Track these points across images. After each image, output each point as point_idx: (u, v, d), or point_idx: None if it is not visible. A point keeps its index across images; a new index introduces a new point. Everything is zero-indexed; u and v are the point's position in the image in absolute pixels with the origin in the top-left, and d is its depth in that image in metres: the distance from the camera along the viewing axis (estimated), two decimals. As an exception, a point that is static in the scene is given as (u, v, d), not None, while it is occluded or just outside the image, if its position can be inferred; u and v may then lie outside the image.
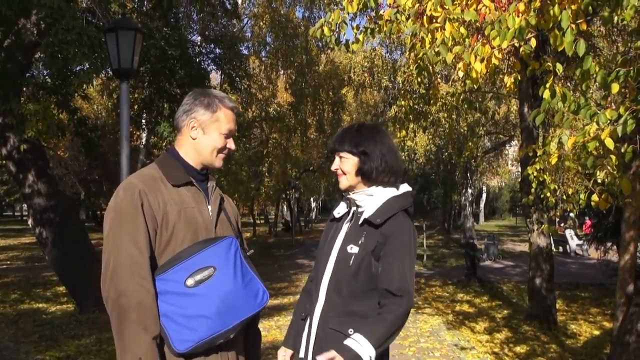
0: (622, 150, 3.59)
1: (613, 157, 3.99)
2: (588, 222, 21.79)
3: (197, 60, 13.91)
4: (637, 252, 6.09)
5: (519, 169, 11.06)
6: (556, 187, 6.70)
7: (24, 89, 9.07)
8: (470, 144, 20.76)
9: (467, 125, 19.41)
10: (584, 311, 10.34)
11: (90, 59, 7.55)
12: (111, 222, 2.07)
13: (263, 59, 24.00)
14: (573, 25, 3.46)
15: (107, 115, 24.41)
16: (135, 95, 13.23)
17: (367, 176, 2.41)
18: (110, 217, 2.08)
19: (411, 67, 6.62)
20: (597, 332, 8.67)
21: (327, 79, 24.05)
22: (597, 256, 13.91)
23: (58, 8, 6.74)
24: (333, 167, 2.51)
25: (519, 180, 10.03)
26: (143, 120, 15.26)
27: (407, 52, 8.22)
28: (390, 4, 5.01)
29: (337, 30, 5.13)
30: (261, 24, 22.54)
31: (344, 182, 2.47)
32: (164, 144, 16.18)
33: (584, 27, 3.75)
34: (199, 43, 16.12)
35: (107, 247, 2.04)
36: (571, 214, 15.07)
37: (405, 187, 2.46)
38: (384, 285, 2.27)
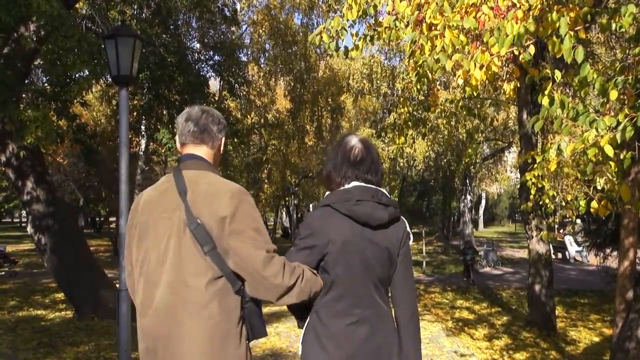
0: (621, 156, 3.59)
1: (612, 163, 4.00)
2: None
3: (196, 67, 13.94)
4: (636, 259, 6.08)
5: (518, 176, 11.04)
6: (555, 194, 6.70)
7: (23, 95, 9.08)
8: (469, 150, 20.79)
9: (466, 131, 19.41)
10: (583, 318, 10.33)
11: (89, 65, 7.57)
12: None
13: (262, 65, 24.04)
14: (571, 32, 3.48)
15: (106, 122, 24.44)
16: (135, 102, 13.22)
17: (325, 186, 2.73)
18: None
19: (410, 74, 6.63)
20: (596, 339, 8.66)
21: (325, 86, 24.08)
22: (597, 263, 13.92)
23: (57, 15, 6.74)
24: None
25: (518, 186, 10.02)
26: (142, 127, 15.26)
27: (407, 59, 8.24)
28: (389, 12, 5.03)
29: (337, 37, 5.15)
30: (260, 31, 22.60)
31: None
32: (163, 151, 16.19)
33: (582, 34, 3.76)
34: (198, 50, 16.15)
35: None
36: (577, 221, 15.11)
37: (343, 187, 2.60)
38: None
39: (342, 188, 2.57)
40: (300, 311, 2.52)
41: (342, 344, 2.42)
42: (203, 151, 2.50)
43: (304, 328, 2.51)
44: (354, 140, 2.67)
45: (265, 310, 6.84)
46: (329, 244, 2.43)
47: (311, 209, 51.16)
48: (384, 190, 2.63)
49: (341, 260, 2.44)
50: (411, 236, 2.69)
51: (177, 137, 2.53)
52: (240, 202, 2.31)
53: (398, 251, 2.57)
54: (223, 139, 2.57)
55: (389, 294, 2.59)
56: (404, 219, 2.68)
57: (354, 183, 2.58)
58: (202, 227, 2.25)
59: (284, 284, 2.25)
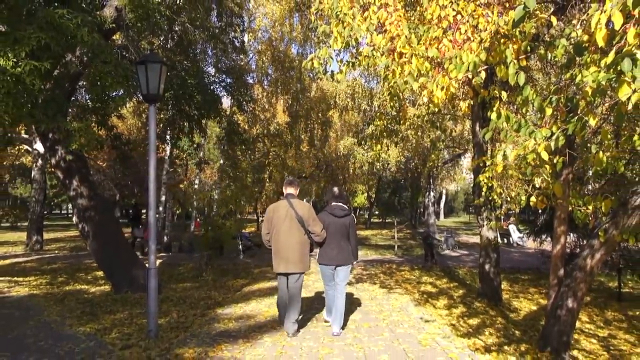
0: (555, 161, 3.61)
1: (547, 166, 4.01)
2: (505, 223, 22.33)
3: (211, 87, 13.79)
4: (566, 243, 6.11)
5: (472, 176, 11.06)
6: (501, 191, 6.71)
7: (70, 110, 8.99)
8: (432, 156, 20.81)
9: (430, 141, 19.48)
10: (524, 291, 10.37)
11: (124, 86, 7.50)
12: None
13: (265, 87, 23.96)
14: (515, 61, 3.49)
15: (137, 132, 24.28)
16: (161, 116, 13.16)
17: (326, 204, 6.41)
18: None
19: (385, 94, 6.63)
20: (534, 308, 8.70)
21: (317, 103, 24.06)
22: (535, 246, 13.98)
23: (97, 45, 6.71)
24: None
25: (472, 185, 10.03)
26: (167, 136, 15.18)
27: (382, 82, 8.24)
28: (368, 43, 5.03)
29: (325, 63, 5.14)
30: (264, 58, 22.53)
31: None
32: (184, 156, 16.08)
33: (524, 62, 3.77)
34: (212, 74, 16.03)
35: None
36: (544, 214, 15.16)
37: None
38: None
39: (330, 205, 6.17)
40: (321, 245, 6.06)
41: (328, 255, 6.07)
42: (292, 190, 6.00)
43: (319, 250, 6.15)
44: (335, 188, 6.35)
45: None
46: (324, 222, 6.03)
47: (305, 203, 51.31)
48: (345, 206, 6.15)
49: (327, 228, 6.03)
50: (355, 220, 6.19)
51: (284, 186, 6.05)
52: (313, 211, 5.90)
53: (349, 225, 6.11)
54: (299, 188, 6.10)
55: (349, 240, 6.16)
56: (352, 215, 6.17)
57: (333, 203, 6.18)
58: (301, 218, 5.79)
59: (323, 235, 5.93)
